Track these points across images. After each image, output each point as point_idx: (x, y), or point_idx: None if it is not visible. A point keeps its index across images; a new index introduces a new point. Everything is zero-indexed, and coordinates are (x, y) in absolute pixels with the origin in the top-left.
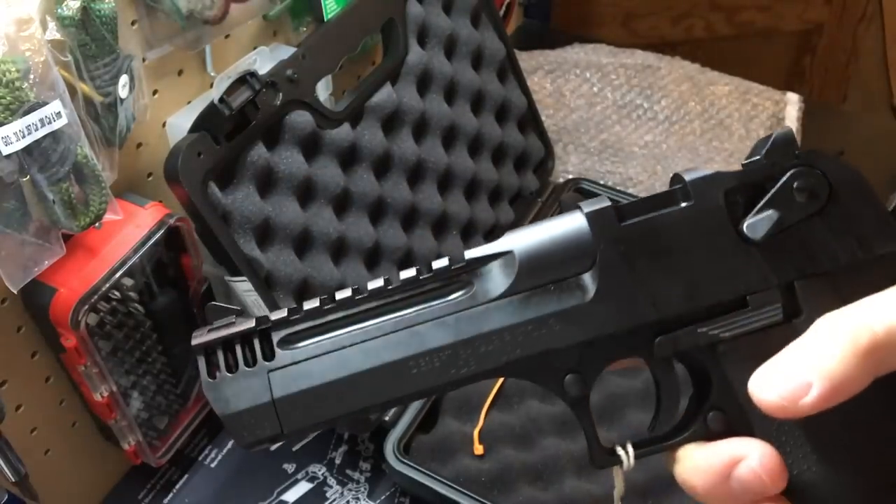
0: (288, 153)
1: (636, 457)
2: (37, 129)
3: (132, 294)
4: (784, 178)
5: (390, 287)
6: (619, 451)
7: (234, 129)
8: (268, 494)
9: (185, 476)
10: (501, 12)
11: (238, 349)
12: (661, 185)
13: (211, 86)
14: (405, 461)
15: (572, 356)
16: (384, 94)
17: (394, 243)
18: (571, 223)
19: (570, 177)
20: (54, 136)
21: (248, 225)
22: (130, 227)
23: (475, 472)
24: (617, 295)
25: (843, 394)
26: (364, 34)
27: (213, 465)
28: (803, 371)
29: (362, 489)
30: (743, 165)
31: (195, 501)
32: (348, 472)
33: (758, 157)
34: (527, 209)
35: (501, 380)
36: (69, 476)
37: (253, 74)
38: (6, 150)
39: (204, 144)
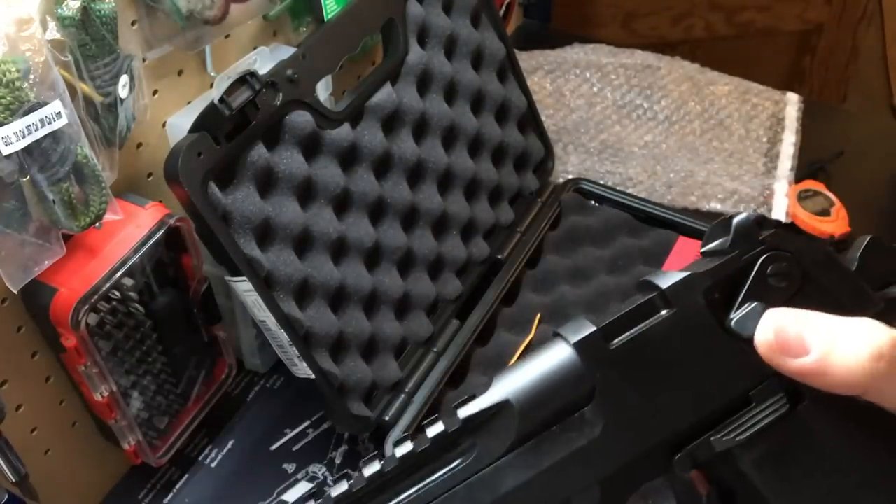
0: (288, 153)
1: None
2: (37, 129)
3: (132, 294)
4: (757, 267)
5: (388, 469)
6: None
7: (234, 129)
8: (268, 494)
9: (186, 476)
10: (501, 12)
11: None
12: (661, 185)
13: (211, 86)
14: None
15: (593, 495)
16: (384, 94)
17: (394, 243)
18: (559, 356)
19: (570, 177)
20: (54, 136)
21: (248, 225)
22: (131, 227)
23: None
24: (625, 421)
25: (832, 380)
26: (364, 34)
27: (213, 465)
28: (812, 335)
29: None
30: (704, 253)
31: (195, 501)
32: (348, 471)
33: (718, 244)
34: (527, 209)
35: None
36: (69, 476)
37: (253, 74)
38: (6, 150)
39: (204, 144)
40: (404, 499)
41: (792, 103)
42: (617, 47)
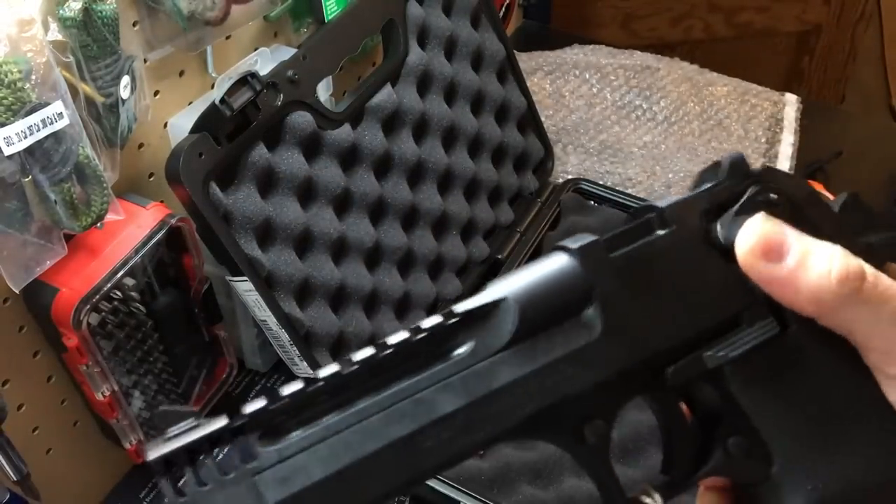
0: (289, 154)
1: (664, 501)
2: (39, 130)
3: (134, 294)
4: (747, 194)
5: (382, 354)
6: (647, 500)
7: (235, 129)
8: None
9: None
10: (501, 13)
11: (208, 458)
12: (660, 186)
13: (212, 87)
14: None
15: (587, 402)
16: (384, 95)
17: (394, 243)
18: (560, 261)
19: (570, 177)
20: (56, 136)
21: (249, 225)
22: (132, 228)
23: (475, 471)
24: (623, 327)
25: (798, 295)
26: (364, 35)
27: None
28: (790, 244)
29: None
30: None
31: None
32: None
33: (713, 183)
34: (526, 209)
35: None
36: (71, 475)
37: (254, 75)
38: (8, 151)
39: (205, 145)
40: (398, 385)
41: (790, 104)
42: (616, 48)
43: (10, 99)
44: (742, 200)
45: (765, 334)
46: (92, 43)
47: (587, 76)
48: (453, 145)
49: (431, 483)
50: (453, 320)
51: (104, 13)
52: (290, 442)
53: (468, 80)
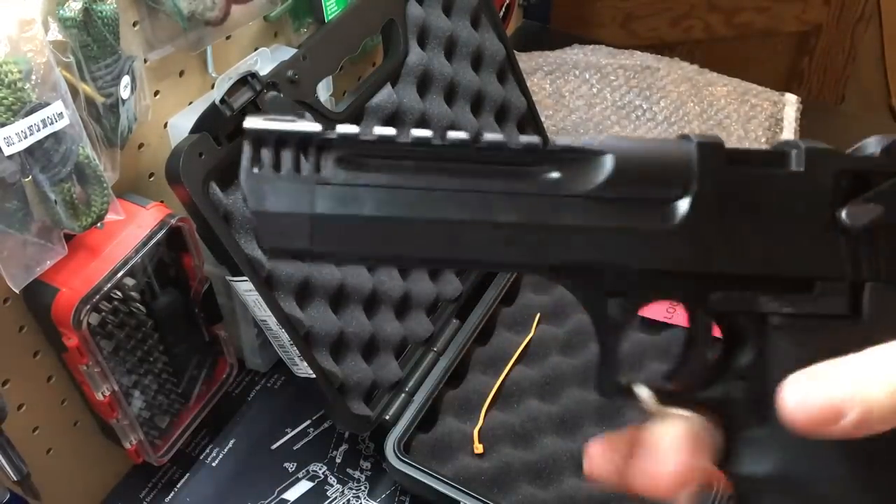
0: None
1: (654, 400)
2: (39, 130)
3: (134, 294)
4: (891, 181)
5: (474, 144)
6: (637, 390)
7: (235, 129)
8: (269, 493)
9: (187, 475)
10: (501, 13)
11: (290, 151)
12: None
13: (212, 87)
14: (405, 460)
15: (627, 280)
16: (384, 95)
17: None
18: (679, 146)
19: None
20: (56, 136)
21: (249, 225)
22: (132, 228)
23: (475, 471)
24: (701, 234)
25: (877, 429)
26: (364, 35)
27: (214, 464)
28: (844, 394)
29: (363, 488)
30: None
31: (196, 500)
32: (349, 470)
33: (871, 153)
34: None
35: (501, 378)
36: (71, 475)
37: (254, 75)
38: (8, 151)
39: (205, 145)
40: (473, 177)
41: (790, 104)
42: (616, 48)
43: (10, 99)
44: (886, 184)
45: (829, 309)
46: (92, 43)
47: (587, 76)
48: None
49: (432, 483)
50: (551, 148)
51: (104, 13)
52: (359, 174)
53: (468, 80)
